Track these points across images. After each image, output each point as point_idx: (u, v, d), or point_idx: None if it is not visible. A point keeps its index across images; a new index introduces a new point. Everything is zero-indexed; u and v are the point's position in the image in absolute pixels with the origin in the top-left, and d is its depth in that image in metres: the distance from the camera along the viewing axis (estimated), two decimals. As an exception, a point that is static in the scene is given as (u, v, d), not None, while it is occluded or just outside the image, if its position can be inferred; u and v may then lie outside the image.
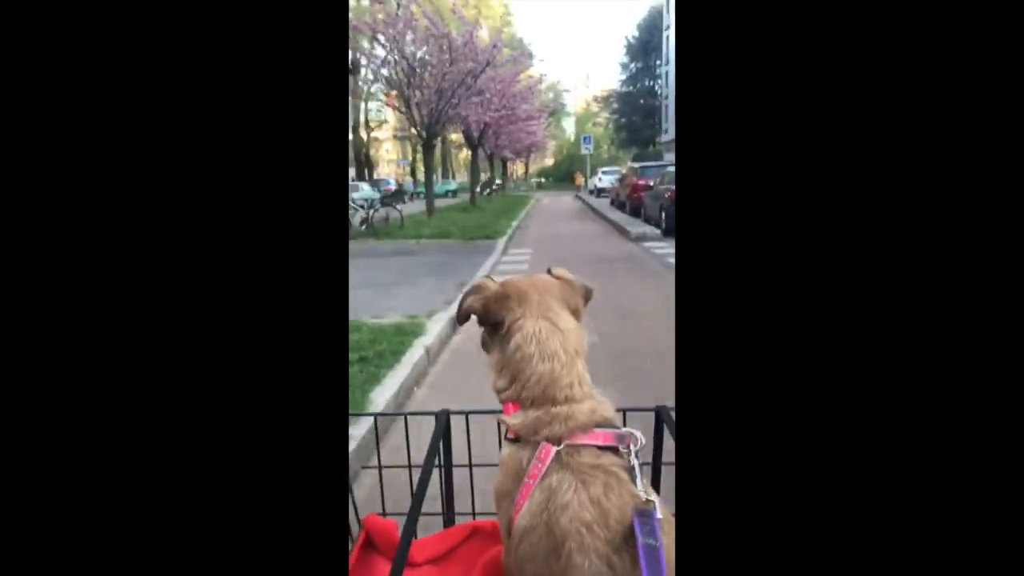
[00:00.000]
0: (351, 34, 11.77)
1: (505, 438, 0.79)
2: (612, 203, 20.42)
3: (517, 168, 61.47)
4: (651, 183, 14.69)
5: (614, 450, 0.73)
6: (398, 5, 11.39)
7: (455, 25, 12.00)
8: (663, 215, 11.19)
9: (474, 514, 1.04)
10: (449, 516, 1.03)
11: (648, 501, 0.66)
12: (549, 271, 0.91)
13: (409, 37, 11.88)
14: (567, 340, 0.81)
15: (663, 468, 0.95)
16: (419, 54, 11.80)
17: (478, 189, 15.59)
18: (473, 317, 0.86)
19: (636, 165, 16.80)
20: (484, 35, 12.53)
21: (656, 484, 0.95)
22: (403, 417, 1.05)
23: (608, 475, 0.70)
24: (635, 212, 14.57)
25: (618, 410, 0.84)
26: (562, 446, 0.72)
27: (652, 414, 0.95)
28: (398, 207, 12.46)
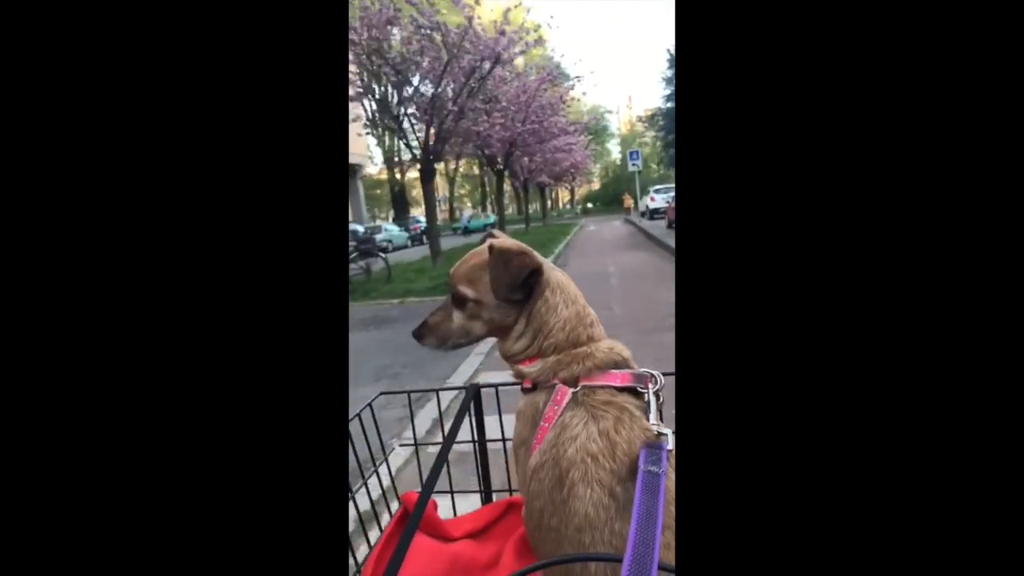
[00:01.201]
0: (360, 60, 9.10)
1: (522, 389, 0.79)
2: (669, 225, 17.20)
3: (562, 195, 58.77)
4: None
5: (632, 391, 0.72)
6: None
7: (451, 16, 9.27)
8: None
9: (510, 491, 1.02)
10: (486, 493, 1.04)
11: (659, 435, 0.65)
12: (488, 242, 0.88)
13: (396, 37, 9.25)
14: (574, 285, 0.84)
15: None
16: (406, 52, 9.08)
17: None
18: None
19: (698, 176, 13.48)
20: (488, 22, 9.70)
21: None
22: (436, 394, 1.07)
23: (621, 411, 0.69)
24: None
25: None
26: (578, 387, 0.72)
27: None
28: (383, 255, 9.71)
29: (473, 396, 0.96)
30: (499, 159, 14.92)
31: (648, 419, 0.68)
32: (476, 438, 1.00)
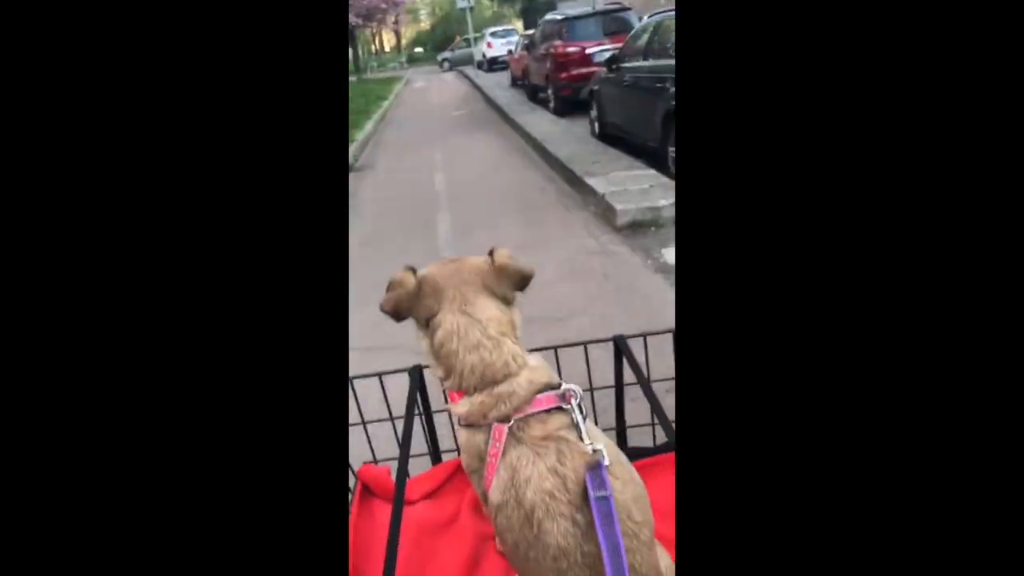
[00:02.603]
0: None
1: (458, 424, 0.84)
2: (514, 83, 13.36)
3: (386, 38, 50.70)
4: (594, 49, 7.74)
5: (559, 408, 0.79)
6: None
7: None
8: (667, 135, 4.56)
9: (458, 450, 0.99)
10: (435, 455, 1.15)
11: (595, 452, 0.73)
12: (491, 253, 0.90)
13: None
14: (487, 328, 0.82)
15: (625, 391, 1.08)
16: None
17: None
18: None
19: (558, 16, 9.16)
20: None
21: (620, 408, 1.10)
22: (378, 377, 1.10)
23: (559, 442, 0.75)
24: (573, 107, 7.78)
25: (579, 343, 1.09)
26: (512, 423, 0.77)
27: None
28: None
29: (419, 376, 1.04)
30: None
31: (582, 440, 0.75)
32: (421, 411, 1.07)
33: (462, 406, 0.81)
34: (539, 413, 0.77)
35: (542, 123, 7.53)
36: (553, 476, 0.72)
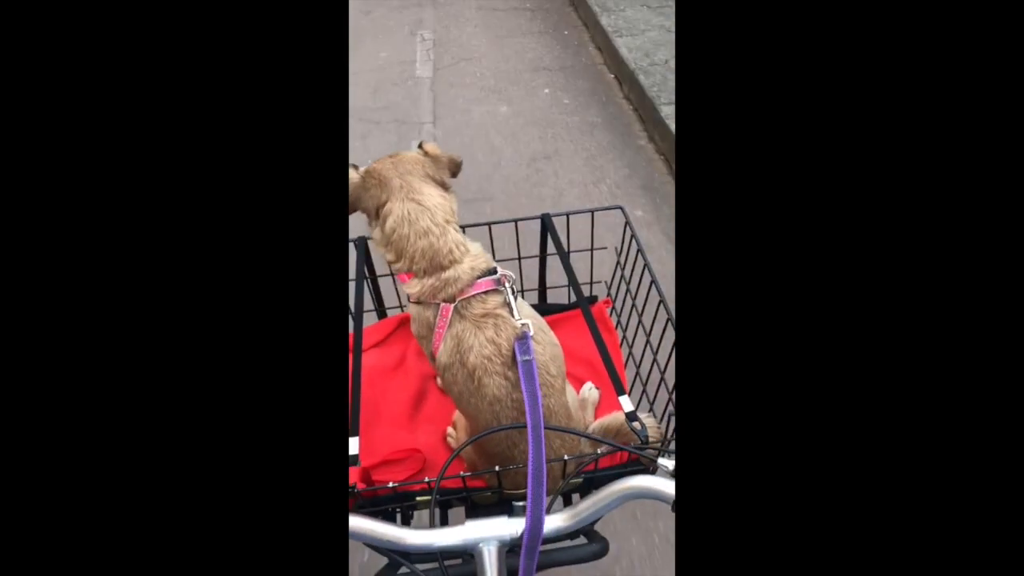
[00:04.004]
0: None
1: (408, 300, 1.00)
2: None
3: None
4: None
5: (496, 288, 0.95)
6: None
7: None
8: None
9: (401, 307, 1.31)
10: (381, 312, 1.33)
11: (523, 325, 0.90)
12: (420, 145, 1.06)
13: None
14: (435, 215, 0.96)
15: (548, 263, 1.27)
16: None
17: None
18: None
19: None
20: None
21: (543, 273, 1.30)
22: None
23: (496, 318, 0.92)
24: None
25: (511, 220, 1.21)
26: (456, 302, 0.93)
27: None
28: None
29: (364, 246, 1.16)
30: None
31: (513, 315, 0.91)
32: (367, 276, 1.21)
33: (413, 287, 0.95)
34: (479, 294, 0.93)
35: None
36: (491, 344, 0.90)
